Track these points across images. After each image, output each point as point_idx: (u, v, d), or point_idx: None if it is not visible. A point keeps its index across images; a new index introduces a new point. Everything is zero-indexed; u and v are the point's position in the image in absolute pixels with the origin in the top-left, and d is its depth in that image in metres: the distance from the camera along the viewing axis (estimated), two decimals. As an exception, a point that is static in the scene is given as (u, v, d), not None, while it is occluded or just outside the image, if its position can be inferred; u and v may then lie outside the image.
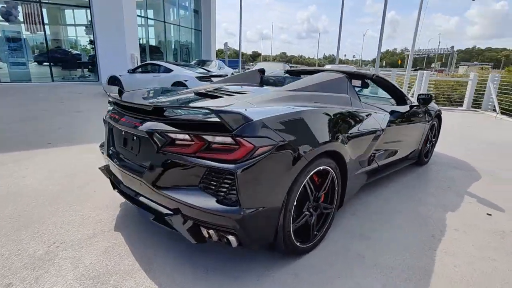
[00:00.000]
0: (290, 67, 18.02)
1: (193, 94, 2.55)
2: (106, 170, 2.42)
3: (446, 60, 63.51)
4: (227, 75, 9.26)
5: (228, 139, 1.58)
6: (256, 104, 2.15)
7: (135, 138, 1.97)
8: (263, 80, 3.49)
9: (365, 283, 1.85)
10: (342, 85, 2.86)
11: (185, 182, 1.71)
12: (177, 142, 1.72)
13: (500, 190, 3.40)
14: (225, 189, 1.60)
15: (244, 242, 1.67)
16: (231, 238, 1.65)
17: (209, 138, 1.62)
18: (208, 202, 1.62)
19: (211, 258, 2.02)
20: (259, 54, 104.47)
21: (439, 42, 66.38)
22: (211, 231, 1.69)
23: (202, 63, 14.39)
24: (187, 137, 1.69)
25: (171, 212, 1.77)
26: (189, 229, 1.75)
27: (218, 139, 1.61)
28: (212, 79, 7.78)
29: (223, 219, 1.60)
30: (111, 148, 2.26)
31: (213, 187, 1.63)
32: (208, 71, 9.32)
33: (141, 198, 1.99)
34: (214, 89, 2.67)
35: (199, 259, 2.01)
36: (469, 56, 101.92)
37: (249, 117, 1.61)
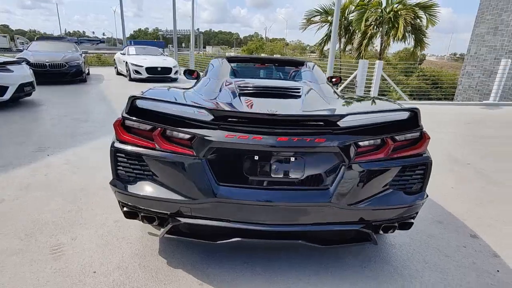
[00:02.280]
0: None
1: (239, 96, 2.07)
2: (200, 221, 1.62)
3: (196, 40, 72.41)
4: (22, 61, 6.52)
5: (417, 134, 1.70)
6: (341, 98, 2.20)
7: (295, 158, 1.54)
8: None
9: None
10: None
11: (376, 187, 1.65)
12: (366, 149, 1.60)
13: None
14: (416, 181, 1.73)
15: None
16: (411, 221, 1.82)
17: (399, 137, 1.65)
18: (404, 198, 1.70)
19: (350, 267, 2.02)
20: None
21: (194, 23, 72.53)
22: (395, 224, 1.76)
23: None
24: (378, 142, 1.62)
25: (362, 224, 1.66)
26: (374, 233, 1.73)
27: (409, 135, 1.68)
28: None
29: (414, 208, 1.75)
30: (225, 182, 1.55)
31: (406, 183, 1.71)
32: (-16, 55, 6.12)
33: (301, 228, 1.62)
34: (256, 86, 2.28)
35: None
36: (208, 37, 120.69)
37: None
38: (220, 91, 2.20)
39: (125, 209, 1.78)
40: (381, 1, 9.84)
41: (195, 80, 4.20)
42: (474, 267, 1.98)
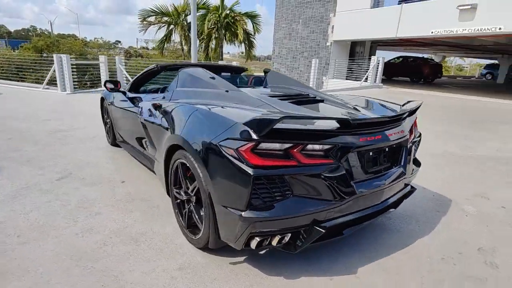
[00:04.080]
0: None
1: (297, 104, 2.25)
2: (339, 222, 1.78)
3: None
4: None
5: (416, 117, 2.52)
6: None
7: (388, 148, 1.99)
8: None
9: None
10: None
11: (412, 158, 2.35)
12: (410, 132, 2.28)
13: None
14: (417, 148, 2.57)
15: None
16: None
17: (415, 120, 2.43)
18: (417, 162, 2.52)
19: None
20: None
21: None
22: None
23: None
24: (411, 125, 2.33)
25: (409, 185, 2.36)
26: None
27: (415, 118, 2.47)
28: None
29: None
30: (357, 179, 1.80)
31: (415, 151, 2.52)
32: None
33: (392, 199, 2.13)
34: (294, 95, 2.47)
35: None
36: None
37: None
38: (261, 102, 2.23)
39: (257, 239, 1.66)
40: (219, 7, 10.86)
41: (118, 92, 3.59)
42: (433, 199, 3.12)
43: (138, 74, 3.60)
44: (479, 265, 2.11)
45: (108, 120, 4.22)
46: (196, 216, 2.06)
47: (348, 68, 15.13)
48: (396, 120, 2.05)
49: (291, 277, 1.90)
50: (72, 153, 4.00)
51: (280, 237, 1.70)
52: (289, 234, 1.73)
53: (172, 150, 2.21)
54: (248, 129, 1.58)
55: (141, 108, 2.97)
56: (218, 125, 1.77)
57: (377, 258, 2.13)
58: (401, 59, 19.83)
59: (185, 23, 12.54)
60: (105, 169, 3.52)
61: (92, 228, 2.33)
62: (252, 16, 12.94)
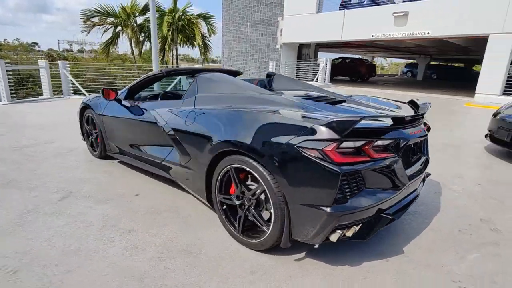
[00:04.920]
0: None
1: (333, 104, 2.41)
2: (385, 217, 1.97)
3: None
4: None
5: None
6: None
7: (418, 142, 2.27)
8: None
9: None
10: None
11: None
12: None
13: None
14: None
15: None
16: None
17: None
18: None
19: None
20: None
21: None
22: None
23: None
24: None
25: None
26: None
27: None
28: None
29: None
30: (407, 168, 2.03)
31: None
32: None
33: (419, 186, 2.43)
34: (322, 96, 2.61)
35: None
36: None
37: None
38: (304, 105, 2.34)
39: (338, 232, 1.78)
40: (173, 9, 10.49)
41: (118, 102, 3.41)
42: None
43: (137, 80, 3.40)
44: (488, 233, 2.53)
45: (94, 131, 3.88)
46: (259, 219, 2.08)
47: (297, 69, 15.92)
48: (423, 115, 2.36)
49: (354, 264, 2.06)
50: (55, 170, 3.59)
51: (355, 227, 1.84)
52: (360, 224, 1.88)
53: (219, 156, 2.20)
54: (331, 130, 1.70)
55: (159, 116, 2.83)
56: (291, 128, 1.84)
57: (411, 238, 2.41)
58: (340, 60, 21.51)
59: (135, 25, 11.87)
60: (107, 184, 3.25)
61: (136, 245, 2.18)
62: (206, 17, 12.86)
